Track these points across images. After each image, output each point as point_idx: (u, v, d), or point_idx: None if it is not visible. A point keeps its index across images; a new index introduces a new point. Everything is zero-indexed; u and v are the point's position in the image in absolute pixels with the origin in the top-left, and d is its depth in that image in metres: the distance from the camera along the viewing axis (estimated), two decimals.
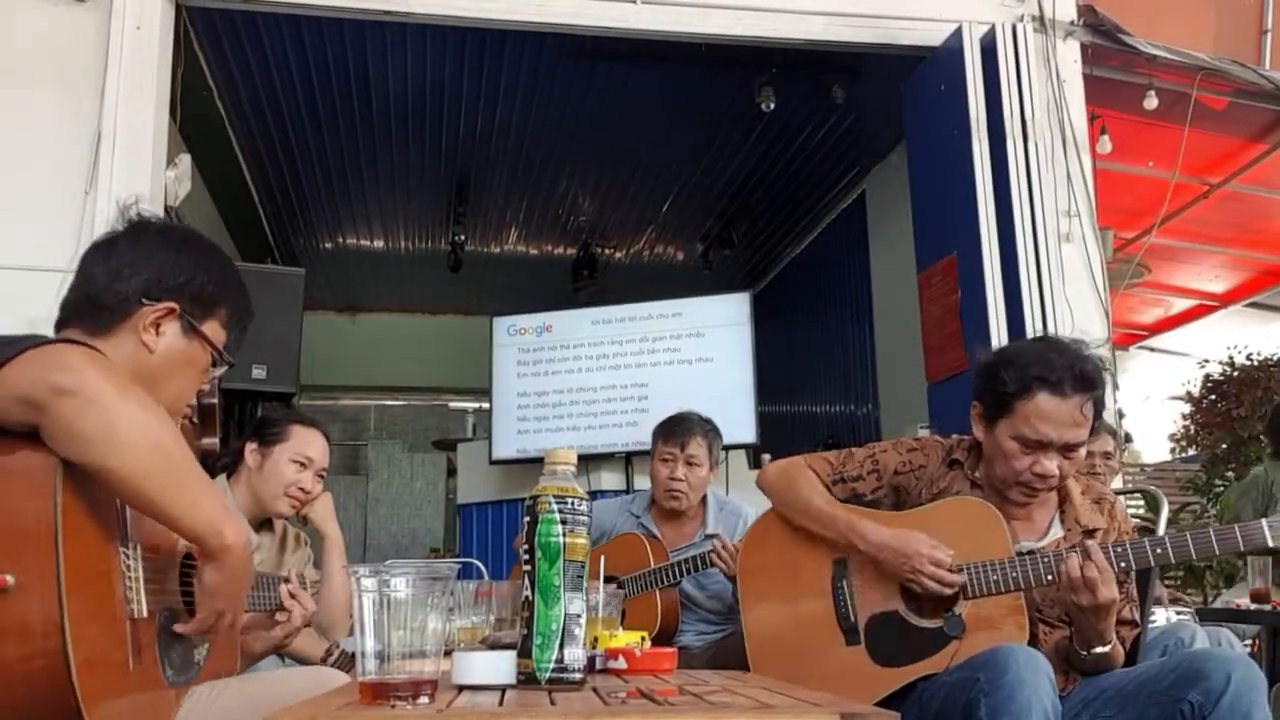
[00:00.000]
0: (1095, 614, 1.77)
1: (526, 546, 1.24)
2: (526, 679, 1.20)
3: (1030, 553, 1.87)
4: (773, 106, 5.18)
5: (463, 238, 7.31)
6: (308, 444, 2.42)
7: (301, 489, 2.39)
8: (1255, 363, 6.48)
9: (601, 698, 1.13)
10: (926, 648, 1.87)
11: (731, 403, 5.03)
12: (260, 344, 4.58)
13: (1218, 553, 1.81)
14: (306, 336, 4.89)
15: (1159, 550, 1.77)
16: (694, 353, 5.32)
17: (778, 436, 6.69)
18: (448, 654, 1.24)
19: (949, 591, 1.86)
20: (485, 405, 5.76)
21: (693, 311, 5.39)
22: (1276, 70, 4.68)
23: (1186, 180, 5.37)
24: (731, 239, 7.49)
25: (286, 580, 1.95)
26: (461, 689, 1.21)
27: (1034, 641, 1.84)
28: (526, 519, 1.25)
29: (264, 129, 5.91)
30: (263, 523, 2.44)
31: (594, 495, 4.91)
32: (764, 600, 2.09)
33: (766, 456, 5.44)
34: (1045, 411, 1.85)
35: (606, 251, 8.01)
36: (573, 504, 1.24)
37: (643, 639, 1.59)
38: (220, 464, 2.48)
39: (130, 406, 1.18)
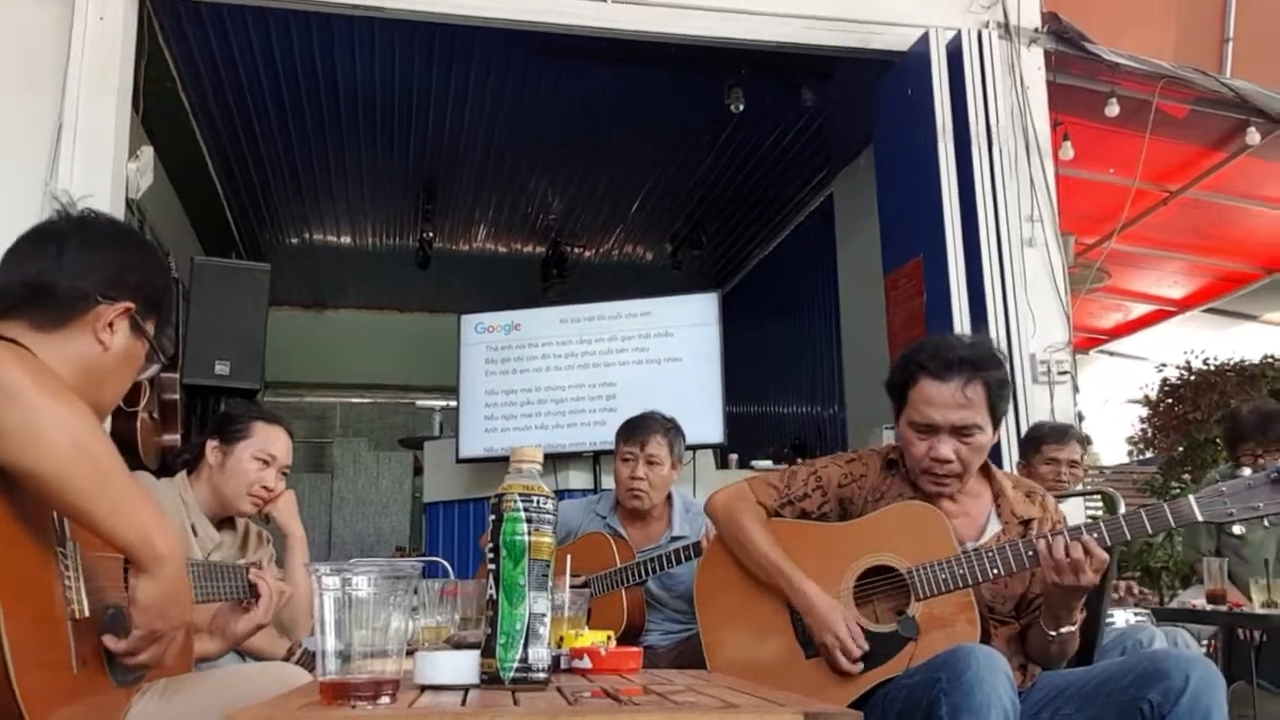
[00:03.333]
0: (1075, 594, 1.82)
1: (491, 545, 1.23)
2: (490, 679, 1.20)
3: (975, 550, 1.90)
4: (742, 108, 5.21)
5: (431, 235, 7.27)
6: (271, 441, 2.40)
7: (264, 487, 2.37)
8: (1211, 368, 6.60)
9: (566, 697, 1.13)
10: (884, 652, 1.90)
11: (699, 403, 5.04)
12: (224, 340, 4.55)
13: (1150, 531, 1.85)
14: (272, 332, 4.85)
15: (1095, 535, 1.81)
16: (662, 352, 5.32)
17: (745, 437, 6.72)
18: (411, 653, 1.24)
19: (853, 672, 1.90)
20: (452, 403, 5.73)
21: (661, 311, 5.39)
22: (1237, 79, 4.77)
23: (1146, 187, 5.45)
24: (700, 239, 7.51)
25: (254, 566, 1.95)
26: (424, 689, 1.20)
27: (986, 637, 1.87)
28: (492, 517, 1.24)
29: (229, 122, 5.85)
30: (224, 521, 2.42)
31: (561, 495, 4.90)
32: (723, 620, 2.11)
33: (734, 457, 5.49)
34: (928, 395, 1.93)
35: (576, 250, 8.00)
36: (538, 502, 1.23)
37: (608, 638, 1.59)
38: (180, 461, 2.45)
39: (55, 407, 1.13)
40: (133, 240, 1.49)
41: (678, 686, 1.25)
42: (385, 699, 1.04)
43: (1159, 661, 1.68)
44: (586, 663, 1.47)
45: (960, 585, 1.87)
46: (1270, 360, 6.64)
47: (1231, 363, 6.57)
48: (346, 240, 7.94)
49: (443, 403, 8.09)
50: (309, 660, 2.18)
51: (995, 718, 1.56)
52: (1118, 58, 4.43)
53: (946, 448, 1.94)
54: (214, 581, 1.88)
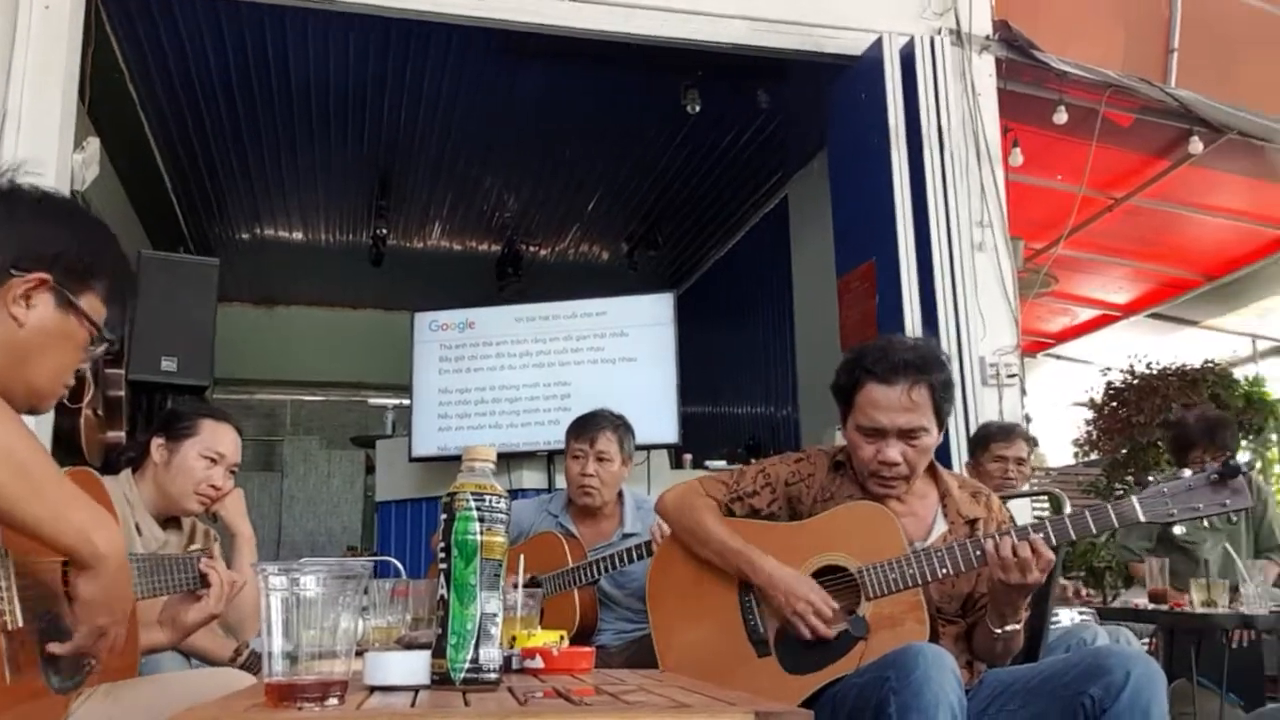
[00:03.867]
0: (1021, 593, 1.84)
1: (443, 544, 1.23)
2: (441, 679, 1.19)
3: (924, 550, 1.93)
4: (698, 109, 5.23)
5: (385, 232, 7.21)
6: (219, 439, 2.36)
7: (212, 485, 2.33)
8: (1155, 372, 6.74)
9: (517, 698, 1.13)
10: (835, 651, 1.92)
11: (654, 403, 5.05)
12: (171, 335, 4.47)
13: (1094, 530, 1.89)
14: (221, 328, 4.77)
15: (1042, 534, 1.85)
16: (617, 352, 5.33)
17: (700, 437, 6.74)
18: (361, 654, 1.22)
19: (830, 636, 1.91)
20: (405, 402, 5.68)
21: (617, 311, 5.39)
22: (1181, 89, 4.88)
23: (1093, 194, 5.56)
24: (656, 239, 7.52)
25: (203, 554, 1.92)
26: (374, 690, 1.19)
27: (934, 636, 1.89)
28: (444, 516, 1.23)
29: (178, 114, 5.75)
30: (170, 520, 2.37)
31: (515, 494, 4.89)
32: (675, 621, 2.12)
33: (688, 457, 5.50)
34: (875, 399, 1.95)
35: (531, 249, 7.97)
36: (490, 501, 1.23)
37: (561, 638, 1.59)
38: (125, 458, 2.40)
39: None
40: (61, 210, 1.39)
41: (630, 686, 1.25)
42: (333, 700, 1.03)
43: (1101, 658, 1.71)
44: (538, 663, 1.47)
45: (910, 585, 1.89)
46: (1210, 365, 6.80)
47: (1173, 367, 6.71)
48: (299, 236, 7.84)
49: (395, 401, 8.03)
50: (255, 661, 2.15)
51: (943, 716, 1.59)
52: (1066, 66, 4.51)
53: (894, 450, 1.96)
54: (164, 573, 1.84)
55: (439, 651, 1.20)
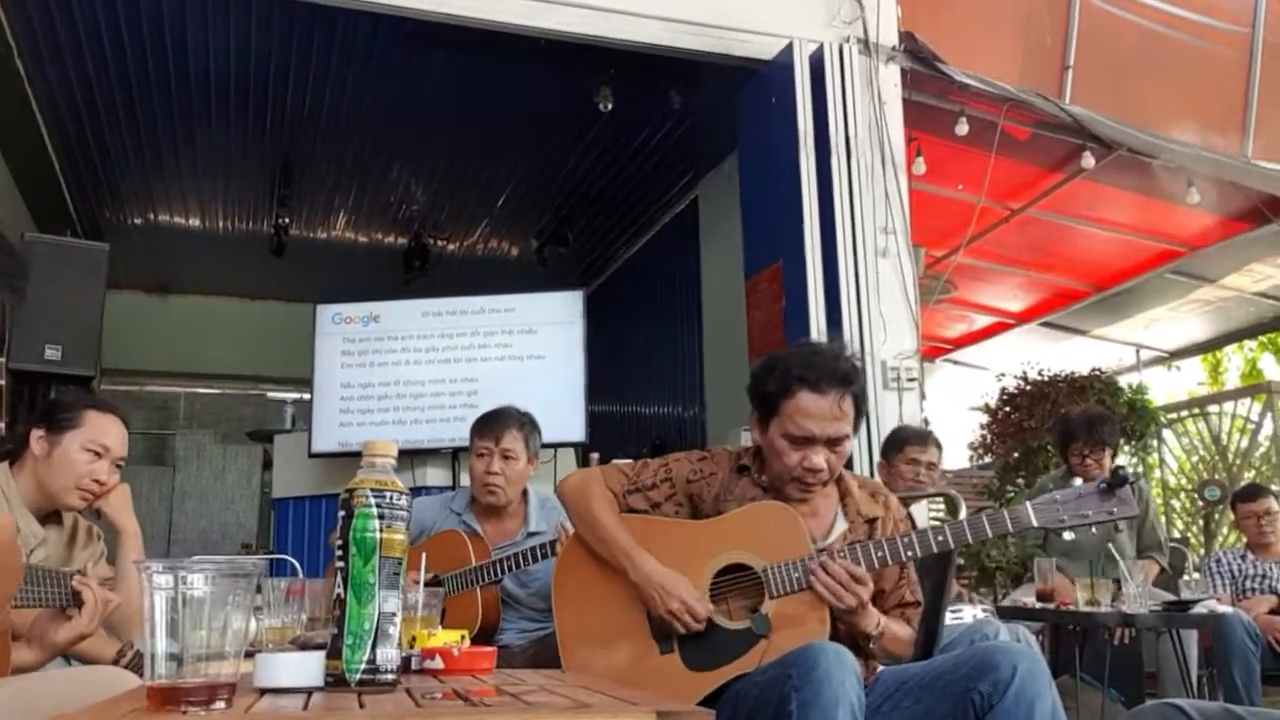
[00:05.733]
0: (850, 614, 1.89)
1: (341, 542, 1.19)
2: (336, 681, 1.16)
3: (824, 550, 1.96)
4: (611, 107, 5.22)
5: (287, 221, 7.01)
6: (103, 431, 2.25)
7: (95, 480, 2.22)
8: (1045, 379, 7.00)
9: (414, 699, 1.11)
10: (737, 649, 1.93)
11: (561, 401, 5.03)
12: (56, 323, 4.28)
13: (990, 535, 1.97)
14: (110, 317, 4.59)
15: (940, 538, 1.91)
16: (525, 349, 5.29)
17: (607, 436, 6.74)
18: (251, 655, 1.18)
19: (696, 626, 1.93)
20: (306, 396, 5.54)
21: (525, 307, 5.35)
22: (1075, 105, 5.06)
23: (991, 204, 5.74)
24: (566, 237, 7.50)
25: (79, 573, 1.83)
26: (264, 692, 1.15)
27: (836, 635, 1.92)
28: (342, 513, 1.20)
29: (68, 94, 5.49)
30: (50, 515, 2.26)
31: (418, 491, 4.81)
32: (579, 619, 2.11)
33: (595, 455, 5.49)
34: (806, 408, 1.97)
35: (439, 243, 7.86)
36: (391, 498, 1.20)
37: (462, 638, 1.57)
38: (2, 450, 2.27)
39: None
40: None
41: (531, 686, 1.24)
42: (220, 704, 0.99)
43: (990, 655, 1.76)
44: (438, 663, 1.45)
45: (812, 584, 1.92)
46: (1098, 373, 7.11)
47: (1063, 375, 6.98)
48: (195, 222, 7.57)
49: (295, 395, 7.82)
50: (139, 662, 2.06)
51: (842, 713, 1.61)
52: (967, 79, 4.65)
53: (820, 458, 1.99)
54: (35, 586, 1.75)
55: (334, 652, 1.16)
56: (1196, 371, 8.13)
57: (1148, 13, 5.89)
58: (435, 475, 5.12)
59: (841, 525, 2.07)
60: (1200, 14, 5.98)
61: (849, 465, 2.20)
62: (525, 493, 3.04)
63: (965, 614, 3.11)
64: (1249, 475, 6.83)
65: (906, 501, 2.37)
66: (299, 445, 5.34)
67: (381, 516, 1.19)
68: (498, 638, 2.80)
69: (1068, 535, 3.88)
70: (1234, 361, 7.84)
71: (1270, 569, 3.94)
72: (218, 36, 4.96)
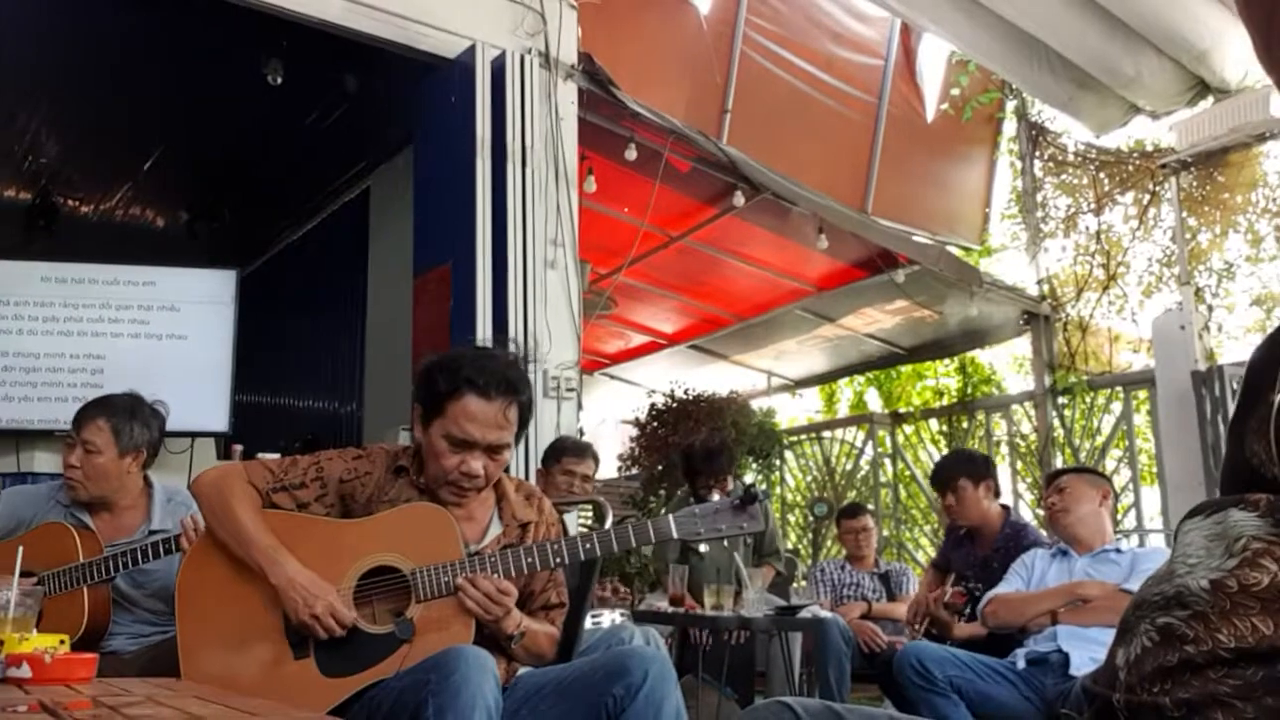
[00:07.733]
0: (494, 621, 1.93)
1: None
2: None
3: (477, 554, 1.98)
4: (280, 81, 4.95)
5: None
6: None
7: None
8: (690, 397, 7.53)
9: None
10: (377, 654, 1.89)
11: (204, 387, 4.69)
12: None
13: (634, 544, 2.09)
14: None
15: (589, 546, 2.00)
16: (165, 328, 4.87)
17: (254, 427, 6.33)
18: None
19: (339, 632, 1.89)
20: None
21: (168, 282, 4.92)
22: (730, 146, 5.49)
23: (653, 229, 6.06)
24: (222, 212, 7.01)
25: None
26: None
27: (479, 636, 1.94)
28: None
29: None
30: None
31: (25, 478, 4.29)
32: (206, 623, 1.96)
33: (238, 448, 5.14)
34: (472, 412, 1.97)
35: (71, 202, 7.03)
36: None
37: (61, 643, 1.41)
38: None
39: None
40: None
41: (136, 698, 1.14)
42: None
43: (623, 659, 1.86)
44: (26, 671, 1.29)
45: (461, 600, 1.92)
46: (734, 395, 7.76)
47: (705, 395, 7.54)
48: None
49: None
50: None
51: (479, 716, 1.63)
52: (638, 107, 4.89)
53: (478, 463, 1.98)
54: None
55: None
56: (815, 400, 9.05)
57: (797, 72, 6.54)
58: (46, 461, 4.55)
59: (496, 529, 2.09)
60: (839, 80, 6.72)
61: (507, 469, 2.22)
62: (150, 485, 2.79)
63: (604, 618, 3.27)
64: (851, 495, 7.73)
65: (560, 508, 2.45)
66: None
67: None
68: (107, 643, 2.54)
69: (703, 547, 4.19)
70: (845, 393, 8.81)
71: (864, 578, 4.47)
72: None
